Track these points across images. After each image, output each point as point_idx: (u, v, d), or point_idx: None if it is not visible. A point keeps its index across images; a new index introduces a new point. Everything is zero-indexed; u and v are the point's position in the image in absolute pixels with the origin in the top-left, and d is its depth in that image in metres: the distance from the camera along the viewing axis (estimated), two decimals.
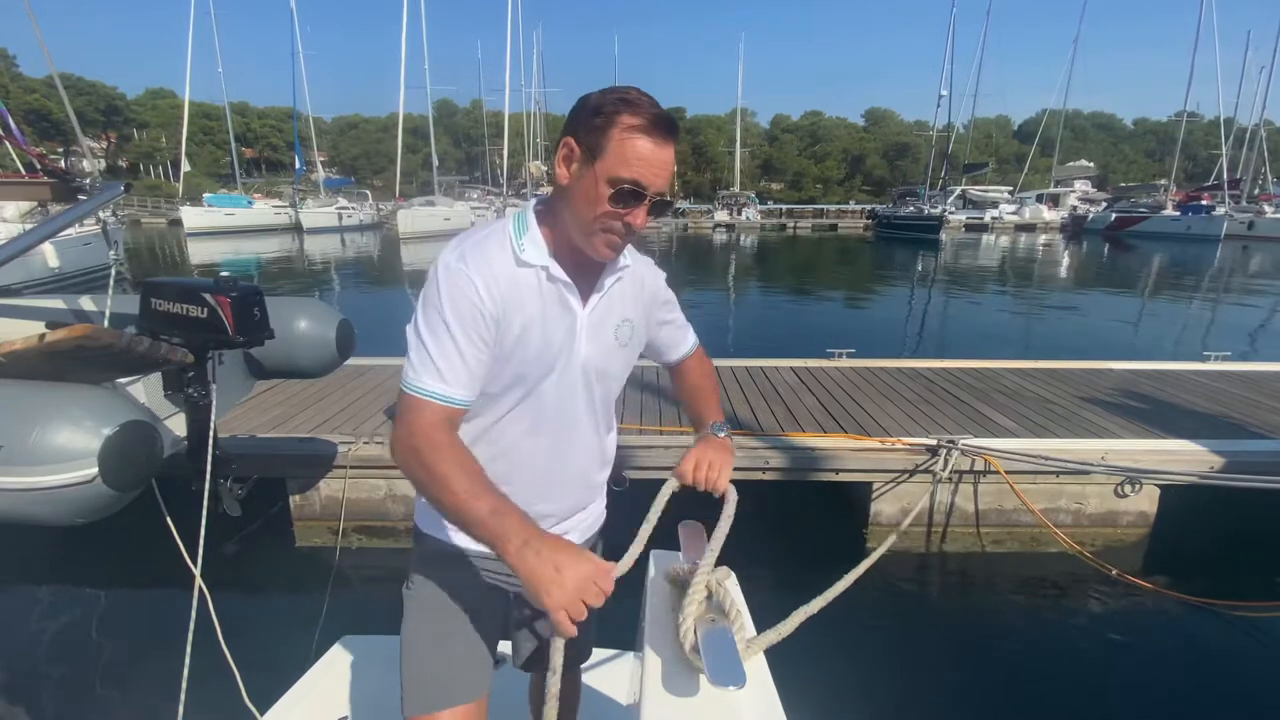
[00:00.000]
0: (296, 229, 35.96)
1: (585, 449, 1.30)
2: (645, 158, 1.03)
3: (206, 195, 38.46)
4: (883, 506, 3.94)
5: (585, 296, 1.18)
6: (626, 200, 1.05)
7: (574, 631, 0.89)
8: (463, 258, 1.10)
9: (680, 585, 0.99)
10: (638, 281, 1.28)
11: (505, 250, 1.13)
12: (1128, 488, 3.85)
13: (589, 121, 1.04)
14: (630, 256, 1.25)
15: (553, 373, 1.18)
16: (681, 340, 1.45)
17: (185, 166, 41.70)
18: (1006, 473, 3.77)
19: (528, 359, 1.15)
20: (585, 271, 1.17)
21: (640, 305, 1.29)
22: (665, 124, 1.04)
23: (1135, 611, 3.46)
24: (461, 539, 1.28)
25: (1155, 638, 3.33)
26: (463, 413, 1.11)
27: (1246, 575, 3.60)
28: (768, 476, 3.95)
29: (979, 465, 3.83)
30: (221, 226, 34.53)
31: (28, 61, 56.88)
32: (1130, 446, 4.01)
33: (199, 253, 26.20)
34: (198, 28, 36.63)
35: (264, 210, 37.95)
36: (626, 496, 3.72)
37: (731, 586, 1.01)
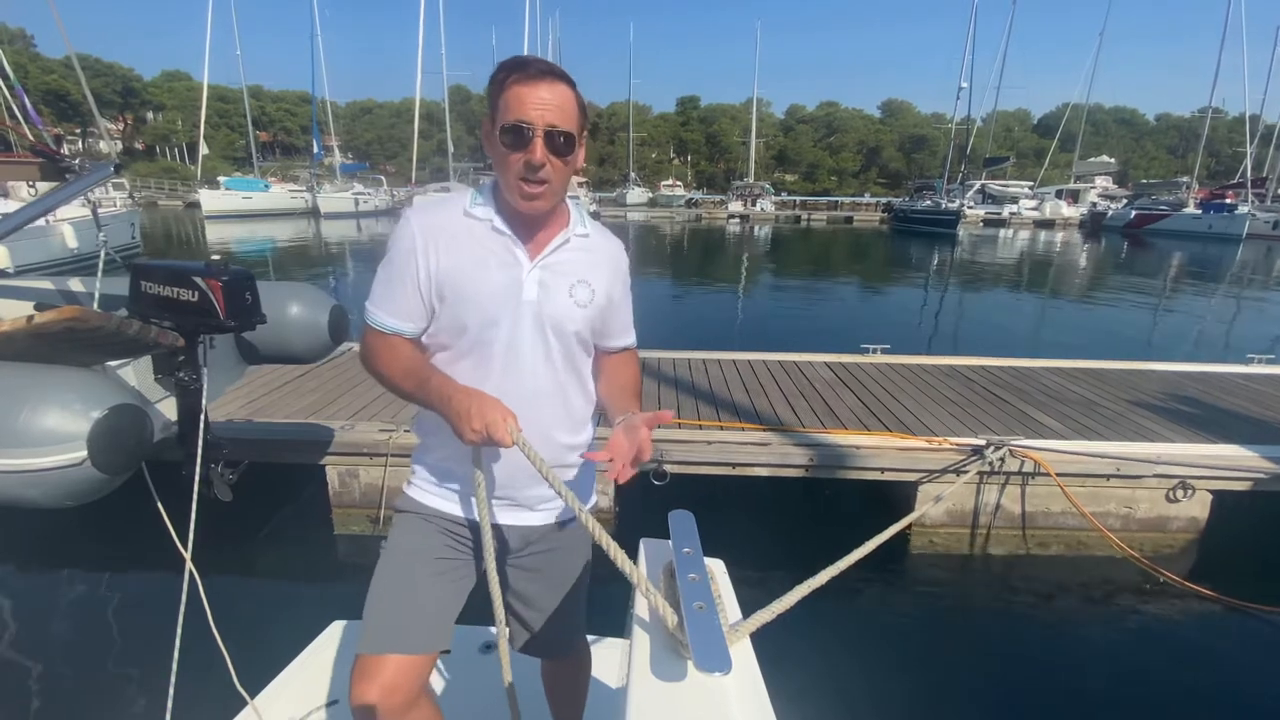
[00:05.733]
0: (313, 213, 36.08)
1: (547, 406, 1.33)
2: (522, 97, 1.14)
3: (224, 179, 38.57)
4: (927, 506, 3.88)
5: (534, 252, 1.28)
6: (516, 140, 1.16)
7: (507, 440, 1.13)
8: (414, 212, 1.29)
9: (669, 573, 1.02)
10: (599, 252, 1.36)
11: (455, 207, 1.29)
12: (1180, 492, 3.78)
13: (489, 93, 1.20)
14: (592, 228, 1.36)
15: (499, 323, 1.26)
16: (624, 330, 1.48)
17: (203, 149, 41.74)
18: (1057, 475, 3.71)
19: (464, 303, 1.25)
20: (534, 231, 1.28)
21: (602, 275, 1.35)
22: (538, 69, 1.16)
23: (1187, 616, 3.41)
24: (436, 502, 1.40)
25: (1207, 642, 3.28)
26: (404, 338, 1.30)
27: None
28: (810, 474, 3.91)
29: (1028, 467, 3.77)
30: (239, 210, 34.67)
31: (46, 42, 57.13)
32: (1181, 451, 3.93)
33: (216, 235, 26.31)
34: (215, 9, 36.62)
35: (281, 194, 38.06)
36: (670, 491, 3.73)
37: (720, 575, 1.04)
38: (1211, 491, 3.82)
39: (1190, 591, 3.48)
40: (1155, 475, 3.77)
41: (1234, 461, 3.83)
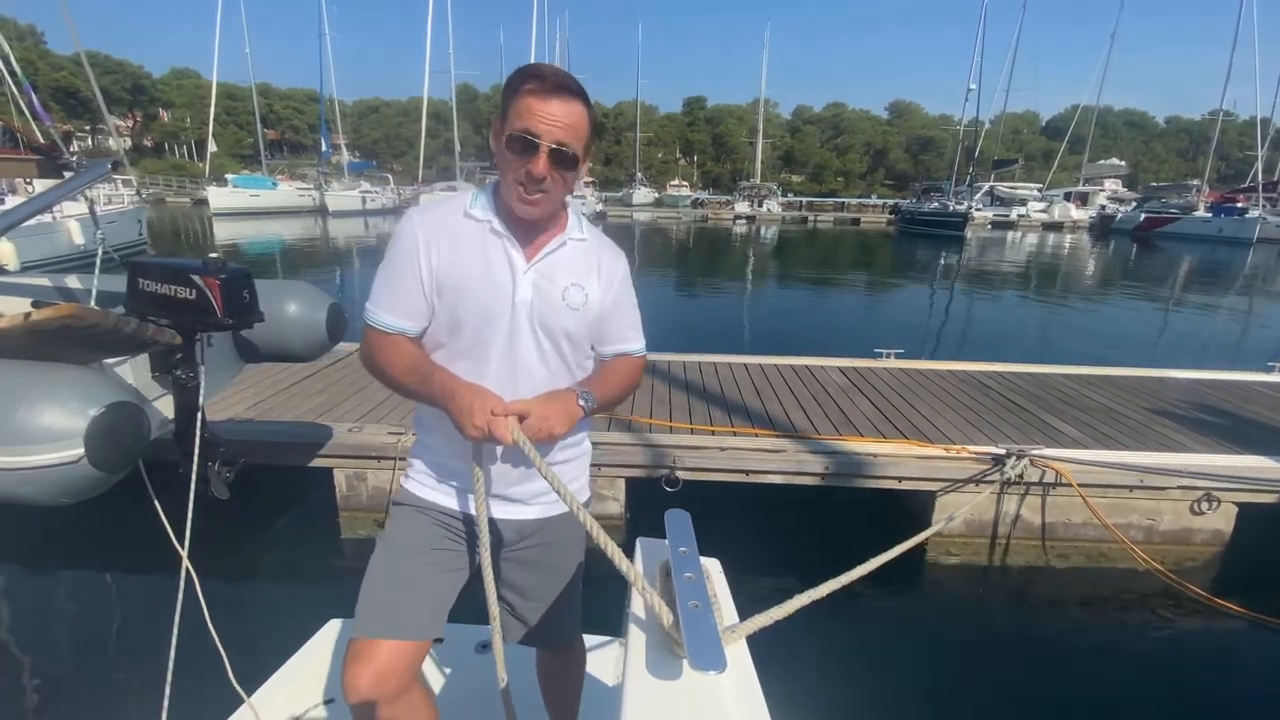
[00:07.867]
0: (321, 211, 36.11)
1: None
2: (533, 110, 1.15)
3: (232, 176, 38.62)
4: (942, 523, 3.80)
5: (530, 254, 1.30)
6: (522, 150, 1.17)
7: (508, 438, 1.15)
8: (415, 212, 1.32)
9: (665, 572, 1.02)
10: (594, 256, 1.38)
11: (456, 207, 1.32)
12: (1204, 504, 3.70)
13: (503, 95, 1.21)
14: (590, 233, 1.39)
15: (494, 322, 1.28)
16: (624, 336, 1.45)
17: (212, 147, 41.86)
18: (1079, 485, 3.63)
19: (462, 300, 1.27)
20: (531, 234, 1.30)
21: (597, 280, 1.36)
22: (555, 83, 1.16)
23: (1210, 631, 3.33)
24: (433, 496, 1.42)
25: (1231, 658, 3.21)
26: (404, 336, 1.31)
27: None
28: (825, 482, 3.83)
29: (1048, 477, 3.68)
30: (246, 207, 34.70)
31: (55, 39, 57.42)
32: (1205, 461, 3.84)
33: (224, 233, 26.35)
34: (225, 7, 36.69)
35: (288, 192, 38.11)
36: (681, 499, 3.67)
37: (716, 574, 1.04)
38: (1236, 504, 3.73)
39: (1214, 606, 3.40)
40: (1179, 487, 3.68)
41: (1259, 473, 3.74)
